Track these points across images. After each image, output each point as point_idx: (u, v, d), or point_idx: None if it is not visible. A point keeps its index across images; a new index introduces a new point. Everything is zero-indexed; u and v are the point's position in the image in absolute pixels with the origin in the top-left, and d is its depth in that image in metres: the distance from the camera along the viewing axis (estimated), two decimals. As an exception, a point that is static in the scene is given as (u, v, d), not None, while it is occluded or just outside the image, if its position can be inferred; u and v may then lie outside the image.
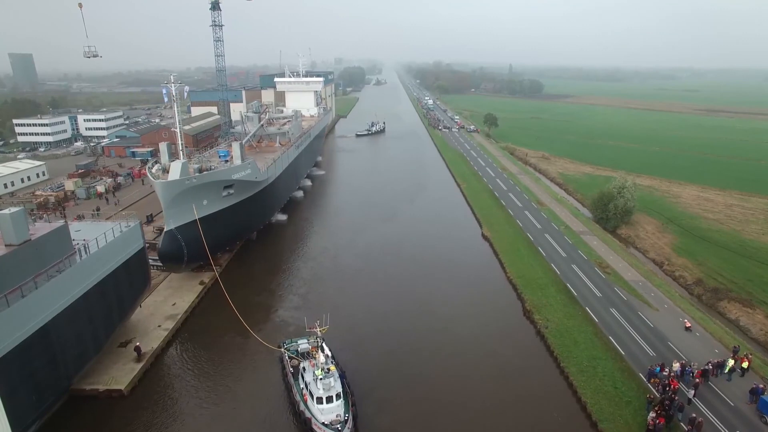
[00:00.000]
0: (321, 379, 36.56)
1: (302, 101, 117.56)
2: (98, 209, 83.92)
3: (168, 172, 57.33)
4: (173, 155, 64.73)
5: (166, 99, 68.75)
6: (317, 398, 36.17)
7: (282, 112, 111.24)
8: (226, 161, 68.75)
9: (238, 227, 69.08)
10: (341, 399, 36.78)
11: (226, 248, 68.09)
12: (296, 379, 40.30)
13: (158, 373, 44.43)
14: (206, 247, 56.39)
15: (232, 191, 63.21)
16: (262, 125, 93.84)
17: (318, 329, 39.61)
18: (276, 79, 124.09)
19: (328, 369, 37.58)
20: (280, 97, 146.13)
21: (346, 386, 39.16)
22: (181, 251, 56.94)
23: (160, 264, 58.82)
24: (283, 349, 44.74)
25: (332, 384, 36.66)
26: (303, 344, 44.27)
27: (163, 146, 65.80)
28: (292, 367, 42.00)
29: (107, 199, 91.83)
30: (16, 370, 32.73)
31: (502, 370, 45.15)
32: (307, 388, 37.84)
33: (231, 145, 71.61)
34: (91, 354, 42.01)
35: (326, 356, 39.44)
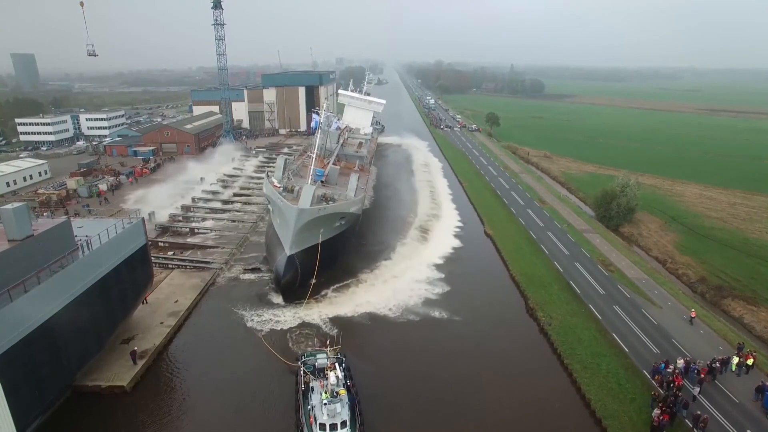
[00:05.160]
0: (326, 404, 33.08)
1: (359, 118, 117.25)
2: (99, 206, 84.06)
3: (289, 191, 57.81)
4: (292, 171, 66.64)
5: (315, 126, 71.72)
6: (320, 425, 32.72)
7: (338, 119, 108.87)
8: (322, 181, 66.71)
9: (337, 255, 65.91)
10: (347, 428, 32.91)
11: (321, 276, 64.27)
12: (305, 399, 36.39)
13: (160, 371, 44.25)
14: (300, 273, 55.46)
15: (344, 222, 61.65)
16: (342, 144, 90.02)
17: (328, 349, 37.66)
18: (340, 91, 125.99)
19: (337, 393, 33.82)
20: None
21: (356, 413, 34.95)
22: (297, 277, 55.90)
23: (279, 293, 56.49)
24: (299, 363, 40.75)
25: (338, 410, 32.95)
26: (321, 359, 39.90)
27: (280, 160, 65.23)
28: (304, 384, 37.77)
29: (107, 199, 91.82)
30: (19, 366, 32.56)
31: (506, 367, 44.96)
32: (313, 410, 34.26)
33: (326, 164, 69.75)
34: (94, 350, 41.86)
35: (337, 377, 35.54)
